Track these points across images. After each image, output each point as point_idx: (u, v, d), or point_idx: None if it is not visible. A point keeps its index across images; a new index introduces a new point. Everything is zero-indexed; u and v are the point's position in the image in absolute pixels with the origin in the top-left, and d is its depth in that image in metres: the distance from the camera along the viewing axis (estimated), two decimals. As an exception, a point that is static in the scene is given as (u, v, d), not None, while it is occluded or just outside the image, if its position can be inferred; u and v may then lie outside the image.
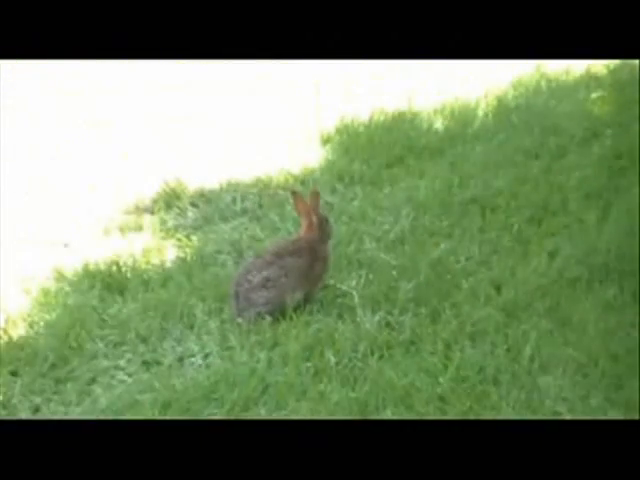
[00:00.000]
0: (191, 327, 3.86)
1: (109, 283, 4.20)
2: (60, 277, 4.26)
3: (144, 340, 3.78)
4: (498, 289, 3.94)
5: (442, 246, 4.36)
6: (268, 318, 3.76)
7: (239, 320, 3.81)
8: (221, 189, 5.42)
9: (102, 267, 4.33)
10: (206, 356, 3.64)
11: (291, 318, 3.77)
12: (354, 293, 3.96)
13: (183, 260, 4.46)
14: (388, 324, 3.75)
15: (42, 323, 3.88)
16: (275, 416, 3.15)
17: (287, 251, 3.95)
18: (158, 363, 3.63)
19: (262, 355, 3.54)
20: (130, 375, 3.57)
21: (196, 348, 3.68)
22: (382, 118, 5.96)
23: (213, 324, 3.83)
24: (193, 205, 5.17)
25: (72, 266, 4.37)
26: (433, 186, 5.05)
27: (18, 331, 3.81)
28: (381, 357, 3.52)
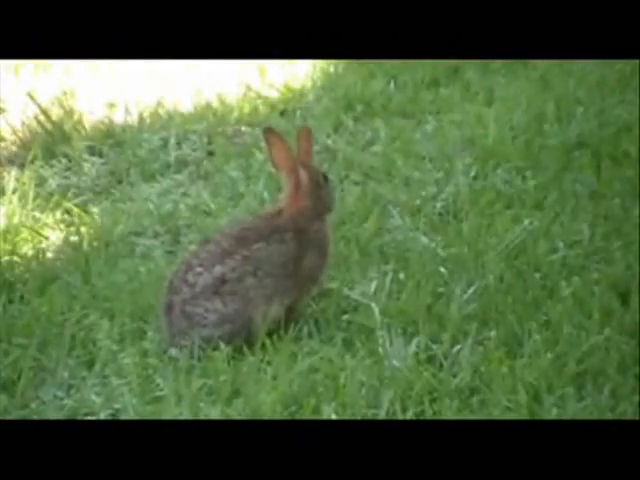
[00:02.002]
0: (90, 363, 3.88)
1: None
2: None
3: (7, 386, 3.78)
4: (624, 298, 3.96)
5: (526, 223, 4.38)
6: (224, 347, 3.77)
7: (173, 352, 3.83)
8: (142, 124, 5.44)
9: None
10: (115, 413, 3.65)
11: (264, 348, 3.79)
12: (373, 305, 3.96)
13: (76, 247, 4.48)
14: (431, 359, 3.76)
15: None
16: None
17: (257, 233, 3.95)
18: (32, 426, 3.66)
19: (213, 412, 3.56)
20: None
21: (98, 400, 3.69)
22: None
23: (128, 358, 3.84)
24: (93, 152, 5.23)
25: None
26: (510, 118, 5.07)
27: None
28: (421, 414, 3.55)
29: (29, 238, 4.53)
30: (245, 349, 3.78)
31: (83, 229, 4.59)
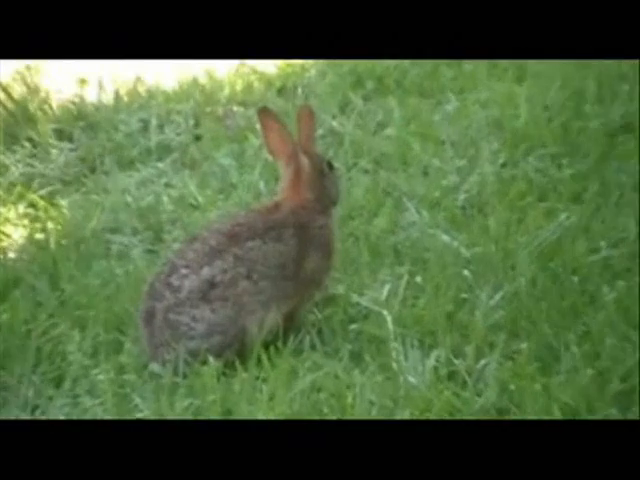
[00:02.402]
0: (58, 380, 3.89)
1: None
2: None
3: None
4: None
5: (562, 218, 4.38)
6: (213, 362, 3.78)
7: (154, 367, 3.85)
8: (118, 104, 5.44)
9: None
10: (88, 438, 3.67)
11: (259, 362, 3.80)
12: (385, 313, 3.97)
13: (42, 246, 4.49)
14: (453, 375, 3.77)
15: None
16: None
17: (251, 229, 3.97)
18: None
19: (201, 437, 3.57)
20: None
21: (68, 423, 3.71)
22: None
23: (102, 375, 3.84)
24: (62, 136, 5.25)
25: None
26: (544, 97, 5.07)
27: None
28: (440, 441, 3.55)
29: (-12, 235, 4.53)
30: (238, 364, 3.78)
31: (50, 225, 4.61)
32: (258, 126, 4.32)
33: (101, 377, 3.83)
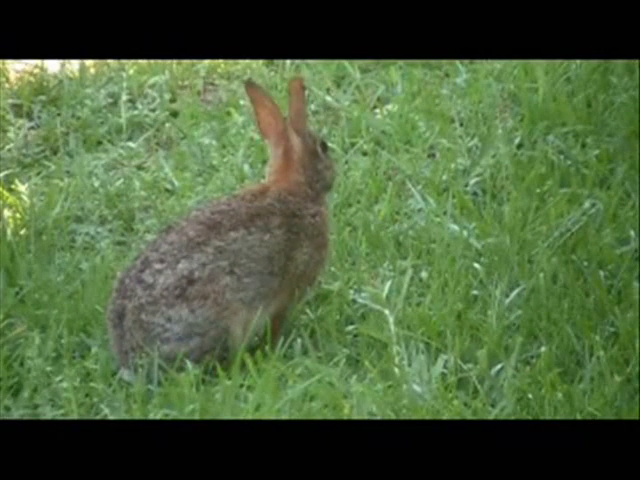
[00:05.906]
0: (16, 388, 3.89)
1: None
2: None
3: None
4: None
5: (587, 205, 4.40)
6: (190, 368, 3.79)
7: (125, 374, 3.86)
8: (84, 76, 5.42)
9: None
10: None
11: (244, 368, 3.80)
12: (386, 312, 3.98)
13: None
14: (463, 382, 3.79)
15: None
16: None
17: (234, 218, 3.98)
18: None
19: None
20: None
21: (27, 437, 3.70)
22: None
23: (66, 382, 3.84)
24: (20, 113, 5.24)
25: None
26: (566, 68, 5.05)
27: None
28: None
29: None
30: (219, 370, 3.79)
31: (7, 213, 4.60)
32: (242, 101, 4.32)
33: (64, 385, 3.83)
